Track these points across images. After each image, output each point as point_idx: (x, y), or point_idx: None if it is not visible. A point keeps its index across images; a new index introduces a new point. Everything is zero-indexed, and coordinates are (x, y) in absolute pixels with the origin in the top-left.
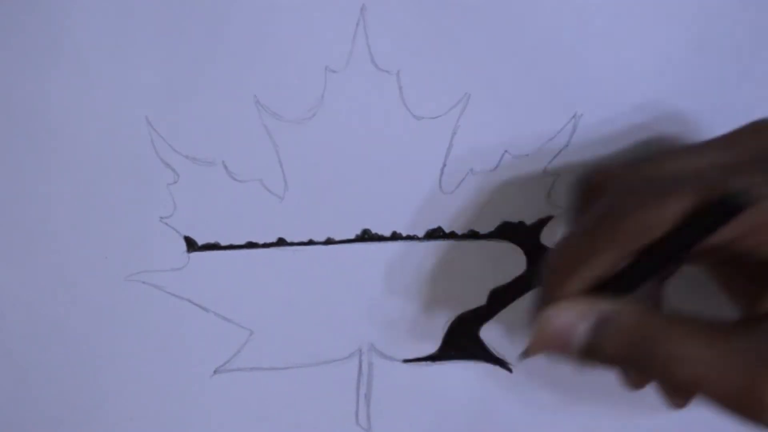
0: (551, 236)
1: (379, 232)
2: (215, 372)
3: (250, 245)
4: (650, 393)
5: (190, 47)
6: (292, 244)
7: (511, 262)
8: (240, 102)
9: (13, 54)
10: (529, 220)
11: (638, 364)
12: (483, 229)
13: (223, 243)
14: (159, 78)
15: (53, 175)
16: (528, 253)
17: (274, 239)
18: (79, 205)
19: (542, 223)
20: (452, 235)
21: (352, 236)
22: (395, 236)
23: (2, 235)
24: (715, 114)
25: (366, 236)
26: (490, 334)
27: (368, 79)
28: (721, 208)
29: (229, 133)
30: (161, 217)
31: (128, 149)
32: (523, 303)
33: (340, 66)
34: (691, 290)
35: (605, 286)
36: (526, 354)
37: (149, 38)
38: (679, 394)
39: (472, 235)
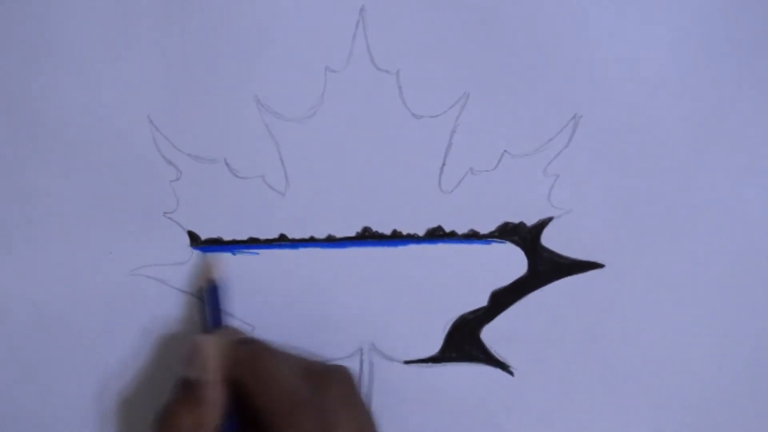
0: (552, 237)
1: (380, 230)
2: None
3: (252, 241)
4: (650, 396)
5: (192, 47)
6: (293, 240)
7: (512, 263)
8: (241, 101)
9: (17, 55)
10: (529, 221)
11: None
12: (483, 229)
13: (225, 238)
14: (161, 77)
15: (58, 172)
16: (529, 254)
17: (275, 235)
18: (83, 201)
19: (543, 224)
20: (452, 234)
21: (352, 234)
22: (395, 234)
23: (9, 231)
24: (715, 114)
25: (366, 234)
26: (491, 335)
27: (368, 78)
28: None
29: (231, 132)
30: (165, 212)
31: (131, 147)
32: (525, 305)
33: (340, 66)
34: None
35: None
36: None
37: (151, 39)
38: None
39: (473, 234)
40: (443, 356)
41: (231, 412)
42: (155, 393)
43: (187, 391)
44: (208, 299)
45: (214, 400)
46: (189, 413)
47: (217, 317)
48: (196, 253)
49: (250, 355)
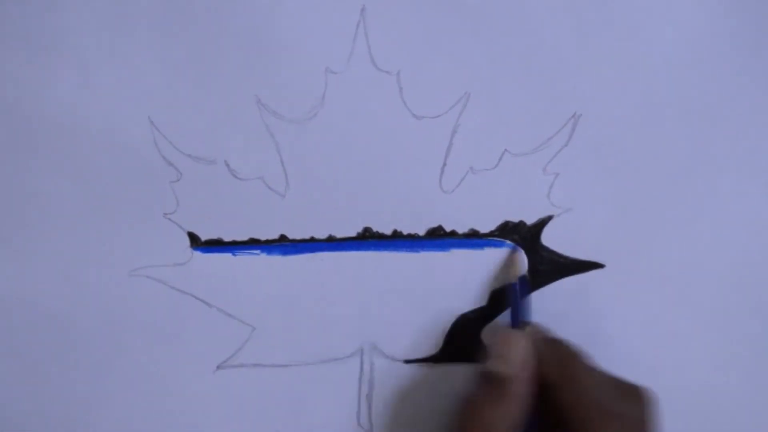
0: (552, 236)
1: (380, 230)
2: (218, 368)
3: (253, 241)
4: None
5: (192, 48)
6: (294, 241)
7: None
8: (241, 102)
9: (17, 55)
10: (529, 220)
11: None
12: (483, 229)
13: (225, 239)
14: (161, 79)
15: (58, 173)
16: (529, 254)
17: (276, 236)
18: (84, 201)
19: (543, 223)
20: (453, 234)
21: (353, 234)
22: (396, 234)
23: (9, 231)
24: (715, 113)
25: (367, 234)
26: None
27: (368, 79)
28: None
29: (231, 133)
30: (165, 213)
31: (131, 148)
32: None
33: (340, 67)
34: None
35: None
36: None
37: (151, 40)
38: None
39: (473, 234)
40: (444, 356)
41: (534, 410)
42: (158, 394)
43: (493, 384)
44: (516, 294)
45: (520, 395)
46: (494, 407)
47: (524, 313)
48: (506, 248)
49: (561, 356)
